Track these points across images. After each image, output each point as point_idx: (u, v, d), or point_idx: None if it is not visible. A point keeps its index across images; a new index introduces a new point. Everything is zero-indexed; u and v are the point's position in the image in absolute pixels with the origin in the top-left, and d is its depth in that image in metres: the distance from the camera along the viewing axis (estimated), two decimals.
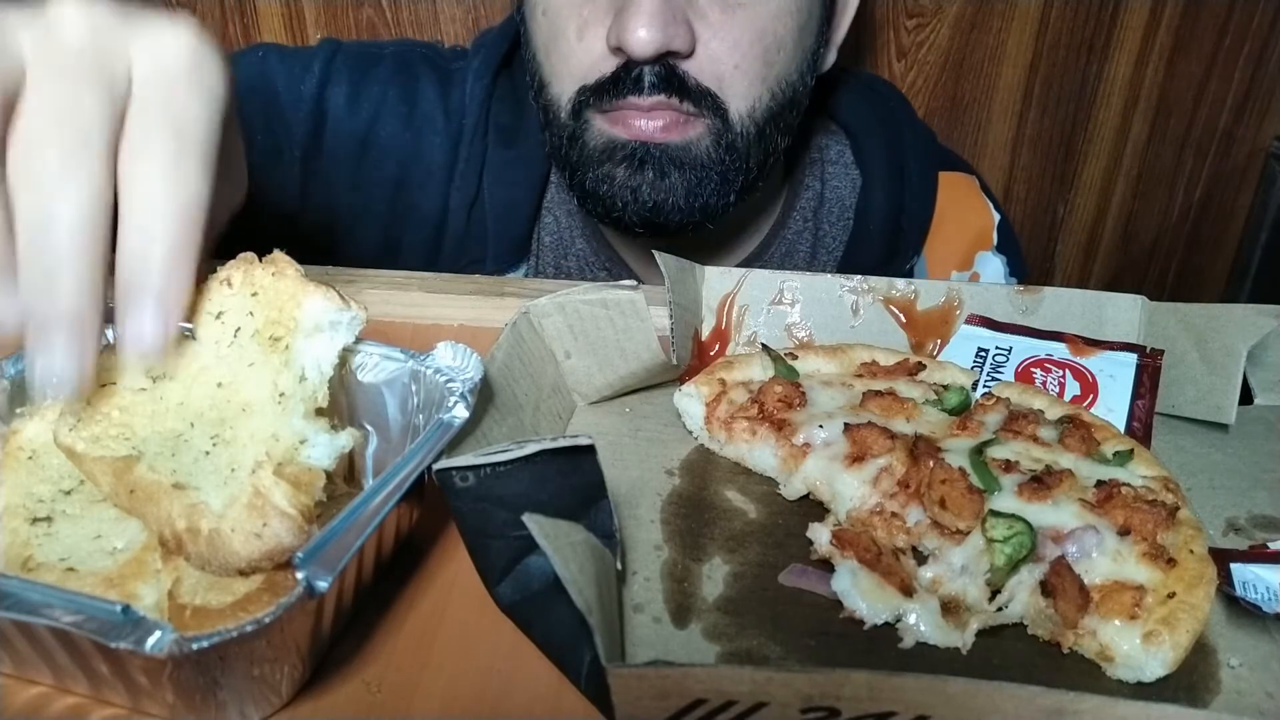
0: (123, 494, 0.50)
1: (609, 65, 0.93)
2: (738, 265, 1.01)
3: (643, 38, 0.87)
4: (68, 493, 0.55)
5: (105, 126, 0.46)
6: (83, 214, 0.44)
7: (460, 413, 0.54)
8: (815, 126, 1.21)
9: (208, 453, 0.51)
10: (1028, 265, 1.26)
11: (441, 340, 0.60)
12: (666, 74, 0.91)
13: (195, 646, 0.41)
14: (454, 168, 1.11)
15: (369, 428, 0.60)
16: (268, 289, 0.54)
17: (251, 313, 0.54)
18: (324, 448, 0.50)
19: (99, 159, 0.45)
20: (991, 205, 1.23)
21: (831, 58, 1.11)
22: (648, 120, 0.93)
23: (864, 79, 1.25)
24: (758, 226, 1.18)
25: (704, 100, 0.93)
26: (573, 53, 0.94)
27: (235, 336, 0.54)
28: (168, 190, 0.46)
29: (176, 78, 0.48)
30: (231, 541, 0.46)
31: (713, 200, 0.98)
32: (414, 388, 0.59)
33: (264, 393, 0.53)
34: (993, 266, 1.19)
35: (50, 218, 0.44)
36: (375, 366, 0.59)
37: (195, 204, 0.47)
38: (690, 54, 0.92)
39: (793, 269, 1.09)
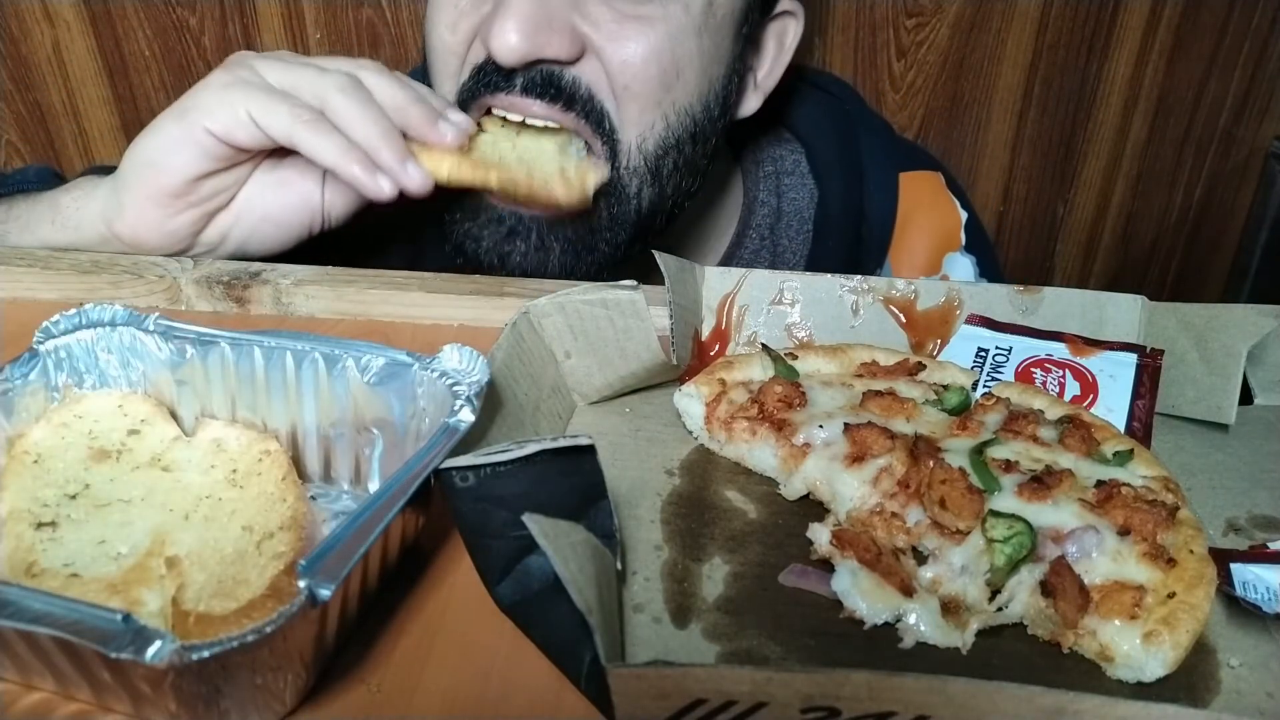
0: (466, 168, 0.84)
1: (479, 54, 0.89)
2: None
3: (512, 44, 0.83)
4: (73, 497, 0.55)
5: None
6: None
7: (466, 416, 0.54)
8: (769, 137, 1.17)
9: (514, 162, 0.88)
10: (999, 263, 1.22)
11: (442, 340, 0.60)
12: (543, 80, 0.87)
13: (195, 656, 0.41)
14: (399, 208, 1.09)
15: (375, 431, 0.61)
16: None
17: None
18: (598, 161, 0.91)
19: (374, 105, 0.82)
20: (959, 203, 1.18)
21: (755, 104, 1.05)
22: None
23: (815, 80, 1.20)
24: (710, 249, 1.14)
25: (592, 114, 0.88)
26: (446, 46, 0.91)
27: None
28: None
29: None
30: (553, 190, 0.86)
31: (596, 259, 0.94)
32: (420, 391, 0.59)
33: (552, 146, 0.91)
34: (961, 267, 1.15)
35: (418, 97, 0.85)
36: (381, 370, 0.59)
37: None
38: (573, 61, 0.87)
39: None
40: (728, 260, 1.15)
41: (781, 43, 1.05)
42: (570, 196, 0.86)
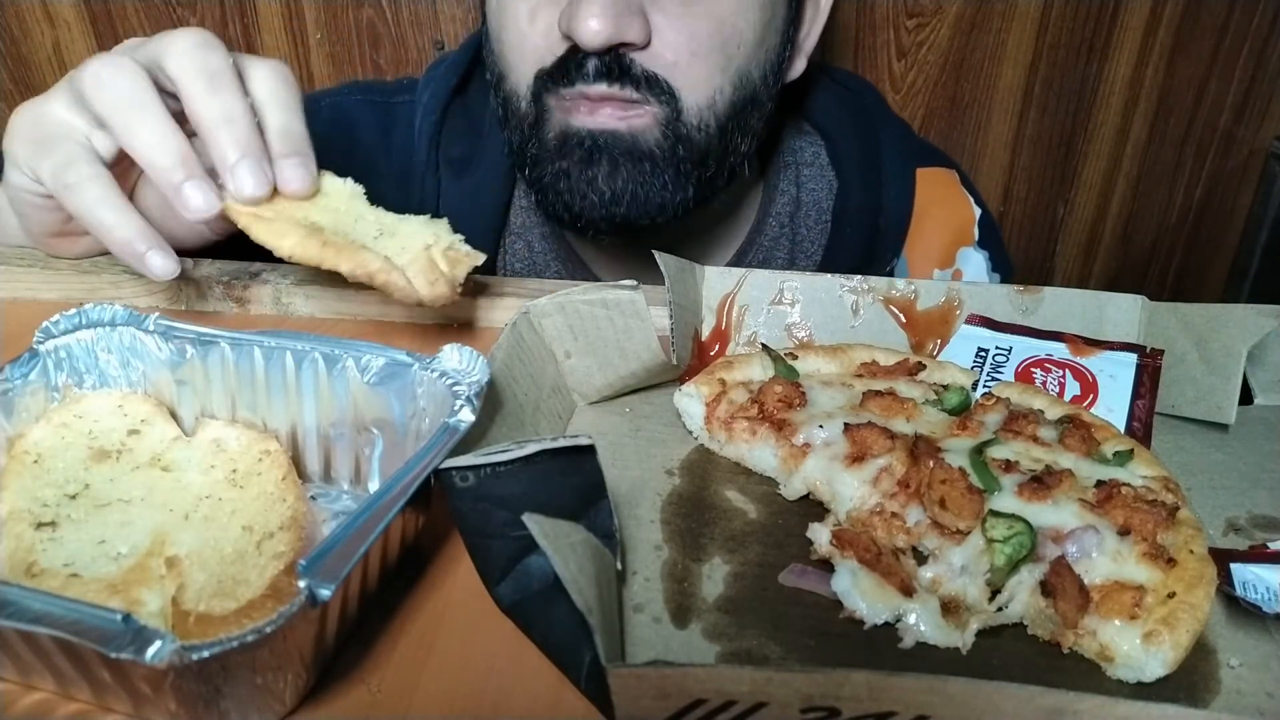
0: (314, 247, 0.67)
1: (560, 48, 0.91)
2: None
3: (594, 28, 0.85)
4: (72, 497, 0.55)
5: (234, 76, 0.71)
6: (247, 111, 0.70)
7: (466, 416, 0.54)
8: (789, 129, 1.19)
9: (376, 237, 0.72)
10: (1011, 259, 1.24)
11: (442, 341, 0.60)
12: (613, 62, 0.89)
13: (195, 656, 0.41)
14: (406, 207, 1.09)
15: (375, 431, 0.61)
16: None
17: None
18: (470, 247, 0.73)
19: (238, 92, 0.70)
20: (972, 200, 1.21)
21: (801, 65, 1.09)
22: (596, 107, 0.91)
23: (836, 76, 1.23)
24: (733, 234, 1.16)
25: (651, 86, 0.91)
26: (525, 38, 0.93)
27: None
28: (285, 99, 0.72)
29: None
30: (414, 283, 0.69)
31: (667, 196, 0.96)
32: (420, 391, 0.59)
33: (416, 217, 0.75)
34: (974, 262, 1.17)
35: (230, 116, 0.69)
36: (381, 370, 0.59)
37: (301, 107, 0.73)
38: (645, 45, 0.90)
39: None
40: (748, 246, 1.17)
41: (818, 2, 1.08)
42: (436, 291, 0.70)
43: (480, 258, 0.74)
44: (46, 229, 0.82)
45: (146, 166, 0.69)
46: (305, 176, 0.71)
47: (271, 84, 0.72)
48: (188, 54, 0.69)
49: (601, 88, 0.90)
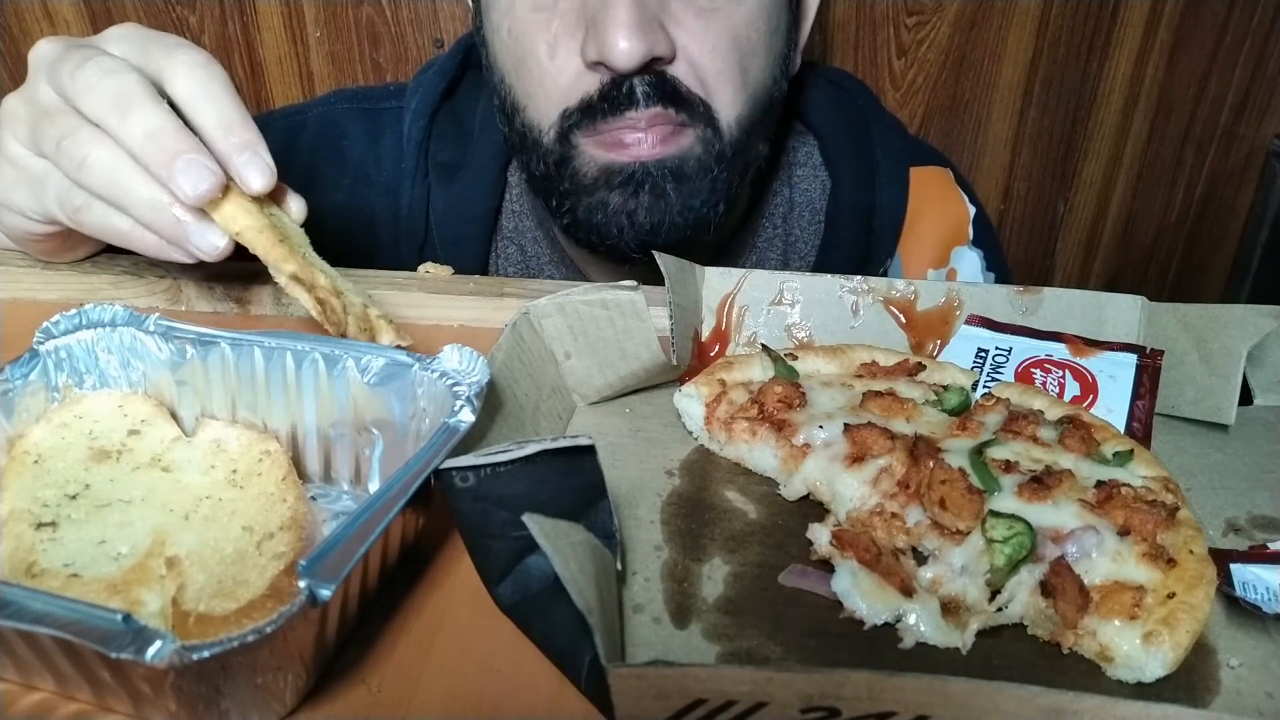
0: (270, 237, 0.65)
1: (590, 83, 0.89)
2: None
3: (625, 49, 0.84)
4: (73, 497, 0.55)
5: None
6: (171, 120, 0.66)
7: (466, 417, 0.54)
8: (782, 129, 1.18)
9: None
10: (1006, 257, 1.24)
11: (442, 341, 0.60)
12: (658, 82, 0.89)
13: (195, 656, 0.41)
14: (398, 213, 1.10)
15: (375, 432, 0.61)
16: None
17: None
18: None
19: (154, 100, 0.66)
20: (966, 198, 1.20)
21: (798, 62, 1.09)
22: (645, 135, 0.91)
23: (828, 76, 1.23)
24: (725, 236, 1.15)
25: (695, 108, 0.91)
26: (545, 73, 0.91)
27: None
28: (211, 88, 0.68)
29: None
30: (359, 325, 0.66)
31: (704, 211, 0.96)
32: (420, 391, 0.59)
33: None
34: (969, 261, 1.17)
35: (149, 130, 0.65)
36: (381, 370, 0.59)
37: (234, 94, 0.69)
38: (672, 59, 0.89)
39: None
40: (741, 247, 1.16)
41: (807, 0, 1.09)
42: (360, 336, 0.68)
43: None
44: (46, 251, 0.84)
45: (151, 227, 0.68)
46: (264, 168, 0.66)
47: (192, 78, 0.67)
48: (95, 90, 0.66)
49: (655, 110, 0.89)
